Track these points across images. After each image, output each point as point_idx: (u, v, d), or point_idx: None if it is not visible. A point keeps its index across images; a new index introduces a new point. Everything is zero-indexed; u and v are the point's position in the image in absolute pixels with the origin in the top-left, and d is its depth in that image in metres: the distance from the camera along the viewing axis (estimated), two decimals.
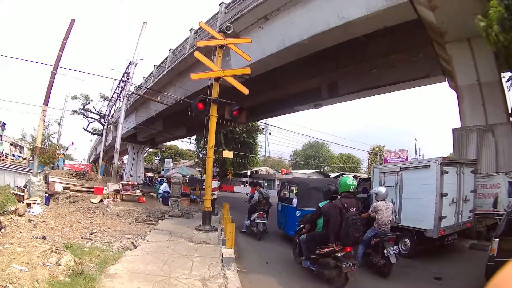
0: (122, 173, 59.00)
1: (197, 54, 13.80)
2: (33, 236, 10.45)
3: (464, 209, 12.38)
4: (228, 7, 23.37)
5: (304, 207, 12.59)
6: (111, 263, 8.43)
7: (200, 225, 12.64)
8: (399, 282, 9.31)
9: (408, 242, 12.07)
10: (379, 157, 66.76)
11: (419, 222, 11.79)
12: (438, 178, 11.29)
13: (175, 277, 7.73)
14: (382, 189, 10.89)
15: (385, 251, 9.45)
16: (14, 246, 8.63)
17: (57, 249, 8.34)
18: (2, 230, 10.10)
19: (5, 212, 12.44)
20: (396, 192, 12.94)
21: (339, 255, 8.34)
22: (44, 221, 13.66)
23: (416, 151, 45.22)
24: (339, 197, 9.18)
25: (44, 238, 10.44)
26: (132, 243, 11.29)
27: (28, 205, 15.33)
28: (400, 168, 13.27)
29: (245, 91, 13.38)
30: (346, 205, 8.60)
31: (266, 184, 24.67)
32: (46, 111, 22.16)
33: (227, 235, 11.51)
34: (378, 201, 10.62)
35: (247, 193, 20.08)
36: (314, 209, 9.91)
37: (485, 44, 10.67)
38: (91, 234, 12.49)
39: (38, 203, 16.00)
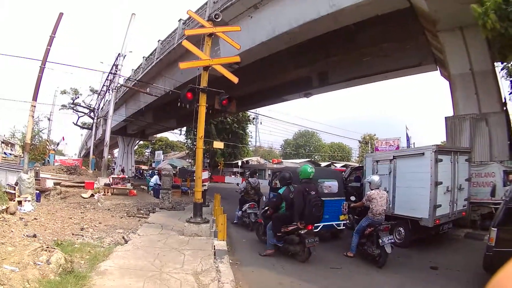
0: (113, 167, 58.82)
1: (186, 43, 13.58)
2: (24, 235, 10.28)
3: (459, 197, 12.35)
4: None
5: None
6: (101, 259, 8.24)
7: (191, 217, 12.43)
8: (395, 272, 9.19)
9: (403, 231, 12.01)
10: (370, 146, 66.89)
11: (413, 211, 11.69)
12: (433, 166, 11.21)
13: (166, 272, 7.56)
14: (376, 178, 10.76)
15: (380, 241, 9.38)
16: (5, 245, 8.48)
17: (47, 247, 8.16)
18: None
19: None
20: (389, 181, 12.82)
21: (302, 232, 9.82)
22: (35, 219, 13.51)
23: (407, 140, 45.15)
24: (296, 183, 10.93)
25: (35, 236, 10.28)
26: (123, 237, 11.12)
27: (19, 202, 15.16)
28: (394, 156, 13.16)
29: (235, 79, 13.14)
30: (307, 189, 10.00)
31: (257, 174, 24.62)
32: (35, 106, 21.99)
33: (218, 227, 11.32)
34: (372, 189, 10.46)
35: (238, 184, 19.91)
36: None
37: (481, 32, 10.61)
38: (81, 230, 12.36)
39: (29, 201, 15.81)
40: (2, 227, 10.66)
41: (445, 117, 16.37)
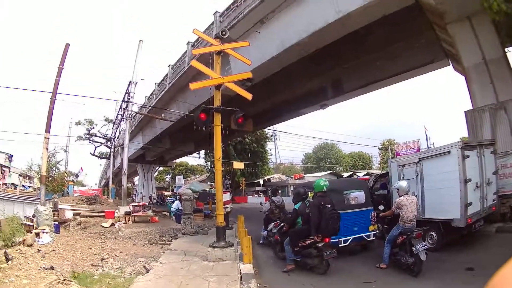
0: (134, 194, 58.91)
1: (194, 63, 13.33)
2: (41, 267, 10.08)
3: (488, 192, 11.94)
4: (223, 15, 23.11)
5: None
6: None
7: (214, 241, 11.99)
8: (431, 278, 8.79)
9: (435, 235, 11.55)
10: (390, 151, 66.33)
11: (444, 212, 11.28)
12: (460, 163, 10.81)
13: None
14: (403, 183, 10.38)
15: (414, 248, 9.01)
16: (20, 278, 8.34)
17: (64, 280, 7.93)
18: (9, 262, 9.78)
19: (13, 244, 12.23)
20: (417, 184, 12.41)
21: (319, 245, 9.92)
22: (53, 250, 13.29)
23: (427, 141, 44.61)
24: (310, 198, 11.37)
25: (52, 268, 10.08)
26: (144, 266, 10.74)
27: (37, 234, 15.03)
28: (419, 158, 12.73)
29: (248, 96, 12.83)
30: (322, 203, 10.22)
31: (280, 192, 24.39)
32: (48, 138, 21.90)
33: (244, 250, 10.83)
34: (400, 196, 10.07)
35: (261, 203, 19.55)
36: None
37: (488, 15, 10.28)
38: (102, 260, 12.00)
39: (47, 232, 15.65)
40: (18, 259, 10.54)
41: (465, 111, 15.90)
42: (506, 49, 14.92)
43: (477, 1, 9.82)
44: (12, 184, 64.37)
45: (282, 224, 12.57)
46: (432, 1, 14.19)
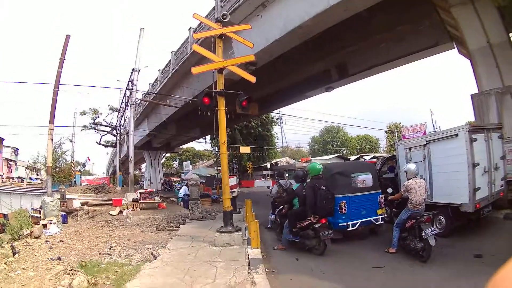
0: (142, 181, 59.12)
1: (196, 47, 13.33)
2: (48, 258, 10.15)
3: (496, 177, 11.79)
4: (224, 0, 22.81)
5: None
6: (128, 279, 7.85)
7: (222, 226, 11.99)
8: (440, 265, 8.72)
9: (443, 219, 11.47)
10: (396, 135, 66.17)
11: (453, 197, 11.20)
12: (468, 147, 10.70)
13: None
14: (412, 166, 10.30)
15: (423, 233, 8.88)
16: (26, 271, 8.39)
17: (71, 270, 7.93)
18: (16, 255, 9.85)
19: (20, 236, 12.26)
20: (424, 167, 12.36)
21: (316, 226, 10.40)
22: (61, 241, 13.39)
23: (433, 125, 44.54)
24: (308, 180, 11.65)
25: (59, 258, 10.14)
26: (152, 253, 10.76)
27: (45, 226, 15.13)
28: (426, 141, 12.67)
29: (252, 79, 12.74)
30: (317, 185, 10.82)
31: (287, 175, 24.41)
32: (53, 129, 21.95)
33: (251, 234, 10.85)
34: (409, 179, 10.00)
35: (268, 187, 19.54)
36: (342, 195, 11.73)
37: (491, 0, 10.18)
38: (109, 249, 12.05)
39: (54, 223, 15.77)
40: (25, 252, 10.63)
41: (471, 95, 15.88)
42: (510, 34, 14.77)
43: None
44: (19, 177, 64.77)
45: (281, 207, 12.93)
46: None
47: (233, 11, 20.12)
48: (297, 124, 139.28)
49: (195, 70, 12.70)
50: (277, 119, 67.33)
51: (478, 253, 9.10)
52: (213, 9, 23.64)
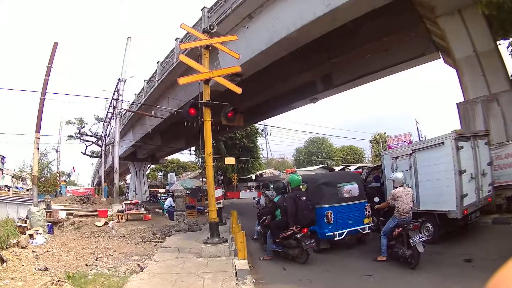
0: (127, 192, 58.86)
1: (182, 57, 13.32)
2: (35, 268, 10.07)
3: (484, 183, 11.99)
4: (211, 10, 22.91)
5: (317, 205, 11.83)
6: None
7: (208, 238, 11.95)
8: (429, 271, 8.75)
9: (431, 227, 11.58)
10: (381, 145, 66.45)
11: (440, 204, 11.32)
12: (454, 154, 10.86)
13: None
14: (399, 175, 10.41)
15: (411, 240, 8.97)
16: (14, 280, 8.32)
17: (58, 281, 7.87)
18: (4, 264, 9.71)
19: (7, 246, 12.09)
20: (410, 176, 12.41)
21: (298, 236, 10.60)
22: (47, 251, 13.29)
23: (418, 134, 44.77)
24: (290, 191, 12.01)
25: (46, 269, 10.05)
26: (139, 265, 10.71)
27: (31, 236, 14.99)
28: (412, 150, 12.80)
29: (238, 90, 12.81)
30: (298, 195, 11.23)
31: (272, 186, 24.54)
32: (39, 138, 21.73)
33: (238, 245, 10.79)
34: (396, 187, 10.06)
35: (254, 198, 19.55)
36: (328, 205, 11.85)
37: (478, 8, 10.30)
38: (96, 260, 11.98)
39: (40, 233, 15.66)
40: (13, 261, 10.48)
41: (457, 104, 16.04)
42: (497, 42, 14.98)
43: None
44: (6, 186, 64.18)
45: (264, 218, 13.06)
46: None
47: (220, 22, 20.18)
48: (282, 135, 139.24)
49: (181, 80, 12.72)
50: (262, 130, 67.41)
51: (467, 258, 9.21)
52: (200, 19, 23.66)
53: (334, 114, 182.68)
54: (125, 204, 26.27)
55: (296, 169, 66.86)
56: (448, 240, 11.28)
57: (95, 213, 24.43)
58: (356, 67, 26.67)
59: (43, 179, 48.60)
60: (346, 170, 47.80)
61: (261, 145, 72.91)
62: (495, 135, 14.11)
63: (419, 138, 41.21)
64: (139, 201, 31.99)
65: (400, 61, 25.18)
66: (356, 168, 48.70)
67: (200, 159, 66.58)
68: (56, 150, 52.85)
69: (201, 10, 23.57)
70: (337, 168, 59.51)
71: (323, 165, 74.69)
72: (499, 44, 15.20)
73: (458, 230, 11.73)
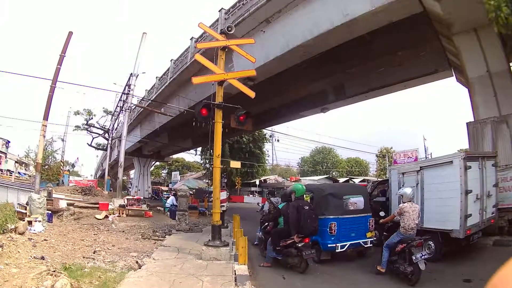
0: (130, 187, 58.77)
1: (198, 57, 13.19)
2: (31, 256, 9.98)
3: (488, 204, 11.86)
4: (228, 12, 22.86)
5: (321, 216, 11.70)
6: (112, 286, 7.71)
7: (209, 240, 11.85)
8: None
9: (432, 244, 11.40)
10: (387, 159, 66.27)
11: (443, 223, 11.23)
12: (462, 174, 10.76)
13: None
14: (408, 190, 10.35)
15: (413, 257, 8.89)
16: (9, 266, 8.14)
17: (54, 271, 7.74)
18: (0, 249, 9.54)
19: (4, 231, 12.02)
20: (416, 193, 12.28)
21: (299, 245, 10.54)
22: (45, 240, 13.15)
23: (425, 151, 44.65)
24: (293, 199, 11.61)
25: (43, 258, 9.95)
26: (137, 262, 10.62)
27: (30, 223, 14.92)
28: (420, 167, 12.70)
29: (251, 94, 12.73)
30: (301, 204, 11.06)
31: (276, 193, 24.59)
32: (46, 126, 21.67)
33: (239, 250, 10.76)
34: (404, 203, 9.93)
35: (258, 203, 19.45)
36: (333, 216, 11.76)
37: (494, 27, 10.21)
38: (94, 253, 11.89)
39: (39, 221, 15.57)
40: (9, 247, 10.35)
41: (467, 123, 15.87)
42: (511, 63, 14.81)
43: (485, 14, 9.72)
44: (8, 170, 64.17)
45: (266, 224, 13.21)
46: (440, 11, 14.08)
47: (236, 24, 19.99)
48: (289, 142, 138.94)
49: (195, 80, 12.66)
50: (270, 136, 67.29)
51: (467, 278, 9.14)
52: (217, 21, 23.63)
53: (342, 126, 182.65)
54: (127, 199, 26.19)
55: (300, 178, 66.78)
56: (448, 259, 11.21)
57: (96, 205, 24.34)
58: (369, 80, 26.48)
59: (46, 167, 48.60)
60: (351, 182, 47.67)
61: (267, 151, 72.81)
62: (502, 157, 13.95)
63: (426, 155, 41.05)
64: (141, 197, 31.88)
65: (413, 76, 24.99)
66: (360, 181, 48.57)
67: (206, 160, 66.43)
68: (62, 140, 52.94)
69: (219, 11, 23.54)
70: (341, 180, 59.42)
71: (328, 175, 74.50)
72: None
73: (459, 250, 11.61)
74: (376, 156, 79.32)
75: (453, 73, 21.57)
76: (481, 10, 9.90)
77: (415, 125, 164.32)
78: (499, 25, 9.07)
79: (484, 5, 9.31)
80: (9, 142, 70.09)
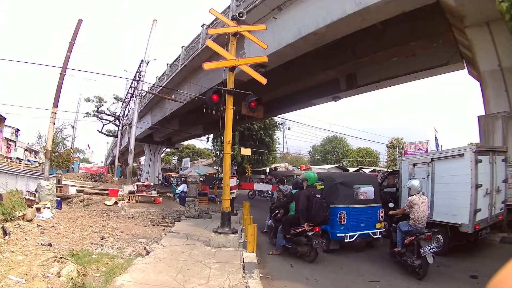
0: (140, 174, 58.97)
1: (209, 42, 13.14)
2: (38, 243, 9.95)
3: (497, 200, 11.71)
4: None
5: (331, 205, 11.58)
6: (119, 272, 7.68)
7: (218, 227, 11.88)
8: (436, 283, 8.61)
9: (441, 238, 11.14)
10: (397, 150, 66.02)
11: (453, 216, 11.09)
12: (473, 168, 10.61)
13: None
14: (416, 182, 10.18)
15: (422, 250, 8.76)
16: (15, 254, 8.11)
17: (61, 258, 7.71)
18: (6, 237, 9.62)
19: (12, 218, 12.00)
20: (427, 185, 12.15)
21: (309, 233, 10.47)
22: (53, 226, 13.20)
23: (436, 143, 44.27)
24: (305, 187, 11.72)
25: (50, 244, 9.94)
26: (145, 248, 10.61)
27: (38, 210, 14.93)
28: (431, 158, 12.51)
29: (263, 80, 12.64)
30: (312, 193, 11.02)
31: (285, 181, 24.46)
32: (55, 113, 21.64)
33: (248, 238, 10.72)
34: (411, 195, 9.83)
35: (268, 191, 19.39)
36: (342, 205, 11.67)
37: (507, 26, 10.07)
38: (102, 239, 11.94)
39: (48, 208, 15.59)
40: (16, 234, 10.40)
41: (478, 117, 15.73)
42: None
43: (498, 9, 9.60)
44: (18, 158, 64.64)
45: (276, 212, 13.05)
46: (453, 3, 13.91)
47: (248, 11, 19.82)
48: (300, 130, 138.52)
49: (206, 65, 12.56)
50: (280, 124, 67.04)
51: (474, 274, 9.07)
52: (228, 7, 23.43)
53: (354, 114, 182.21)
54: (137, 185, 26.19)
55: (310, 166, 66.63)
56: (456, 254, 11.10)
57: (106, 192, 24.43)
58: (381, 69, 26.35)
59: (56, 154, 48.80)
60: (361, 172, 47.58)
61: (278, 139, 72.58)
62: None
63: (437, 147, 40.80)
64: (151, 184, 31.94)
65: (425, 67, 24.75)
66: (370, 171, 48.35)
67: (216, 147, 66.43)
68: (72, 127, 53.05)
69: None
70: (352, 169, 59.23)
71: (338, 164, 74.29)
72: None
73: (467, 245, 11.50)
74: (387, 146, 79.02)
75: (465, 65, 21.38)
76: (494, 4, 9.74)
77: (425, 117, 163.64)
78: (511, 24, 8.95)
79: (497, 5, 9.20)
80: (19, 130, 70.49)
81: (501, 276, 1.12)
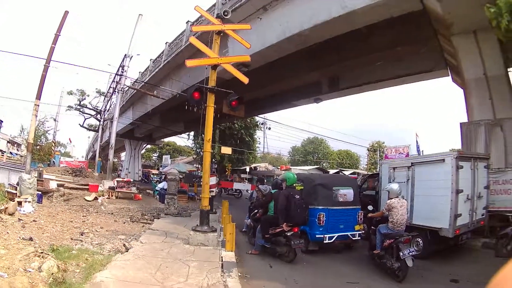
0: (120, 169, 58.70)
1: (193, 40, 13.11)
2: (20, 237, 9.88)
3: (478, 206, 11.87)
4: None
5: (311, 206, 11.73)
6: (98, 269, 7.66)
7: (197, 225, 11.86)
8: (415, 286, 8.75)
9: (421, 242, 11.35)
10: (378, 154, 66.45)
11: (433, 220, 11.23)
12: (454, 173, 10.77)
13: (169, 286, 6.98)
14: (395, 186, 10.32)
15: (401, 253, 8.85)
16: None
17: (41, 253, 7.66)
18: None
19: None
20: (407, 189, 12.33)
21: (288, 234, 10.54)
22: (34, 221, 13.10)
23: (417, 148, 44.70)
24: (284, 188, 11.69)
25: (31, 239, 9.87)
26: (124, 245, 10.55)
27: (19, 203, 14.81)
28: (412, 163, 12.69)
29: (245, 80, 12.67)
30: (292, 193, 10.98)
31: (265, 180, 24.60)
32: (38, 105, 21.47)
33: (227, 237, 10.81)
34: (390, 198, 9.93)
35: (247, 190, 19.47)
36: (321, 207, 11.79)
37: (495, 33, 10.22)
38: (81, 235, 11.83)
39: (29, 202, 15.47)
40: None
41: (460, 123, 15.91)
42: (508, 69, 14.84)
43: (485, 17, 9.72)
44: (0, 150, 63.94)
45: (255, 211, 13.23)
46: (440, 11, 14.04)
47: (233, 10, 19.84)
48: (281, 131, 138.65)
49: (189, 63, 12.59)
50: (262, 123, 67.07)
51: (454, 278, 9.16)
52: (214, 5, 23.42)
53: (336, 117, 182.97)
54: (117, 181, 26.11)
55: (290, 167, 66.84)
56: (437, 258, 11.21)
57: (86, 187, 24.24)
58: (365, 73, 26.44)
59: (38, 147, 48.41)
60: (341, 174, 47.79)
61: (259, 138, 72.61)
62: (494, 159, 13.97)
63: (418, 151, 41.20)
64: (131, 180, 31.81)
65: (409, 73, 24.91)
66: (350, 173, 48.66)
67: (197, 145, 66.35)
68: (54, 120, 52.58)
69: None
70: (332, 171, 59.47)
71: (318, 166, 74.59)
72: (510, 71, 15.01)
73: (447, 249, 11.63)
74: (368, 149, 79.51)
75: (449, 73, 21.57)
76: (481, 13, 9.86)
77: (407, 122, 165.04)
78: (501, 32, 9.07)
79: (485, 11, 9.32)
80: (2, 122, 69.70)
81: (501, 276, 1.13)
